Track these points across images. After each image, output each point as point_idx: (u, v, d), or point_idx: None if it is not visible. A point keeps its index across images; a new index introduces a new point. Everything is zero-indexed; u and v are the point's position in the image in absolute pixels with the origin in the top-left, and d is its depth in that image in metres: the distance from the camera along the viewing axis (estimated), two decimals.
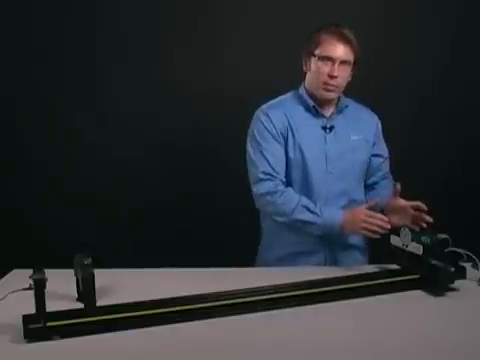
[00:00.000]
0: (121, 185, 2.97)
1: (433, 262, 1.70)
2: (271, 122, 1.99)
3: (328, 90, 1.96)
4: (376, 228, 1.83)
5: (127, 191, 2.97)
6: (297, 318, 1.50)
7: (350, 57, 1.94)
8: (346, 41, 1.93)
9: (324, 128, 2.02)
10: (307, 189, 1.99)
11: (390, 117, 2.17)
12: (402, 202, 1.89)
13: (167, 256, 2.12)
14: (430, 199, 1.99)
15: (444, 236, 1.81)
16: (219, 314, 1.49)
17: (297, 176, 2.01)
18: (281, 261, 2.03)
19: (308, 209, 1.94)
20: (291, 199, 1.95)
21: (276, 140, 1.99)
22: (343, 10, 2.85)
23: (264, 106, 2.06)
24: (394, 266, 1.85)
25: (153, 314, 1.46)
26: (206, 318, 1.47)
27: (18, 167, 2.95)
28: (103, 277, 1.58)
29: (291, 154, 2.00)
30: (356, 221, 1.87)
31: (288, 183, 2.01)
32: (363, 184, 2.13)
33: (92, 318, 1.42)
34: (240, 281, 1.66)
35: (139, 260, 1.90)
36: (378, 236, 1.85)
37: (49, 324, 1.36)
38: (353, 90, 2.05)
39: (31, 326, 1.34)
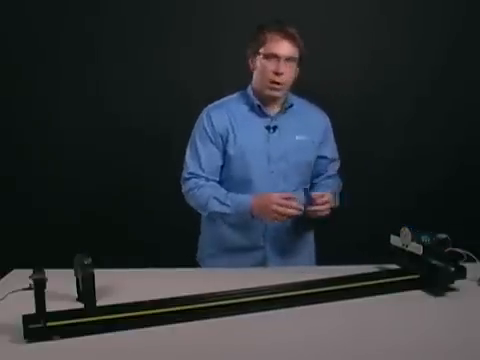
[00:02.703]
0: (121, 185, 2.97)
1: (433, 262, 1.70)
2: (211, 124, 1.99)
3: (275, 88, 1.94)
4: (286, 216, 1.82)
5: (127, 191, 2.97)
6: (297, 318, 1.50)
7: (295, 54, 1.93)
8: (290, 38, 1.91)
9: (268, 128, 1.99)
10: (248, 188, 1.96)
11: (389, 117, 2.17)
12: None
13: (167, 256, 2.12)
14: (429, 199, 2.00)
15: (444, 236, 1.81)
16: (219, 314, 1.49)
17: (237, 175, 1.99)
18: (214, 257, 2.05)
19: (218, 201, 1.93)
20: (205, 192, 1.96)
21: (212, 142, 1.99)
22: (342, 11, 2.85)
23: (210, 106, 2.06)
24: (394, 266, 1.85)
25: (153, 314, 1.46)
26: (206, 318, 1.47)
27: (18, 167, 2.95)
28: (103, 277, 1.58)
29: (231, 152, 1.97)
30: (267, 206, 1.84)
31: (229, 181, 2.00)
32: (309, 185, 2.08)
33: (92, 318, 1.42)
34: (240, 281, 1.66)
35: (139, 260, 1.90)
36: (283, 220, 1.85)
37: (49, 324, 1.36)
38: (352, 90, 2.06)
39: (31, 326, 1.34)
